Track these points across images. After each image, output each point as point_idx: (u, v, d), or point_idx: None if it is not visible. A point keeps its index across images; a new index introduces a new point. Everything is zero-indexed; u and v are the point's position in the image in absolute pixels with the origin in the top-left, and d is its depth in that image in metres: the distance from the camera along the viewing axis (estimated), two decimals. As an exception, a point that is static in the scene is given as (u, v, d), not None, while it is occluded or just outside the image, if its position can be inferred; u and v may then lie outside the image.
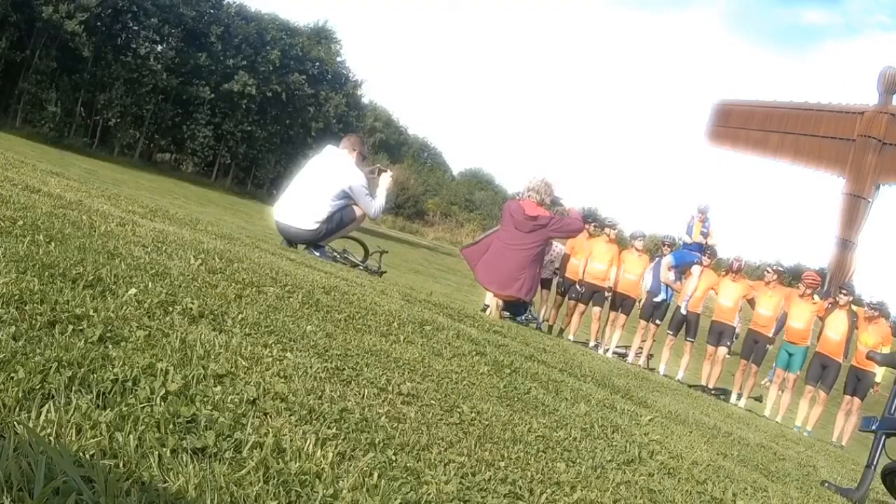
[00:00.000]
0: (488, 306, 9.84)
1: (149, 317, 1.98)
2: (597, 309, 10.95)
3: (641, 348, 10.89)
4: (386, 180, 6.76)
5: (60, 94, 29.49)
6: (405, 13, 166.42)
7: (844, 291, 9.70)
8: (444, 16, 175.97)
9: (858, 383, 9.38)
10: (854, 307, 9.57)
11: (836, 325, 9.40)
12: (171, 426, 1.33)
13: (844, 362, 9.49)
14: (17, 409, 1.23)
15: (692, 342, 10.58)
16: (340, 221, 6.45)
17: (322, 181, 6.39)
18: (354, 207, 6.50)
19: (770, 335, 9.95)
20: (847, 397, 9.49)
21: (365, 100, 44.38)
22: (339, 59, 39.13)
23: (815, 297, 9.82)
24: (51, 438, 1.16)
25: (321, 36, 38.36)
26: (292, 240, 6.45)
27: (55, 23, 28.02)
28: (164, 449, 1.24)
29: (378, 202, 6.58)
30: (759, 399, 10.30)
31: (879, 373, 9.35)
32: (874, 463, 3.87)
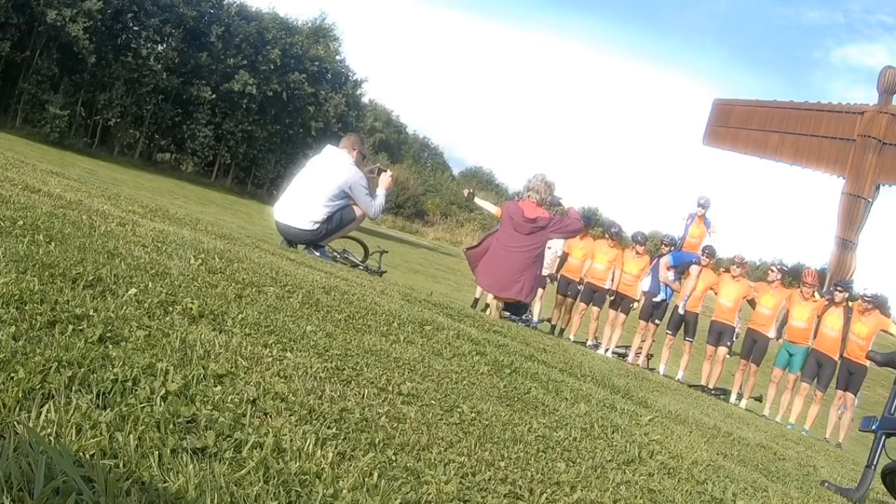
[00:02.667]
0: (477, 300, 9.88)
1: (149, 317, 1.98)
2: (595, 308, 10.97)
3: (641, 348, 10.90)
4: (385, 180, 6.77)
5: (61, 96, 29.46)
6: (404, 12, 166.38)
7: (840, 289, 9.70)
8: (444, 15, 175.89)
9: (850, 377, 9.35)
10: (850, 303, 9.56)
11: (833, 323, 9.39)
12: (171, 426, 1.33)
13: (841, 361, 9.47)
14: (17, 409, 1.23)
15: (691, 342, 10.58)
16: (340, 221, 6.44)
17: (322, 181, 6.39)
18: (354, 207, 6.49)
19: (770, 335, 9.95)
20: (839, 392, 9.48)
21: (365, 99, 44.39)
22: (338, 57, 39.11)
23: (816, 294, 9.82)
24: (51, 438, 1.16)
25: (320, 34, 38.32)
26: (292, 240, 6.44)
27: (58, 27, 28.03)
28: (164, 449, 1.24)
29: (378, 202, 6.58)
30: (759, 399, 10.30)
31: None
32: (874, 463, 3.87)
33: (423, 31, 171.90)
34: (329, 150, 6.67)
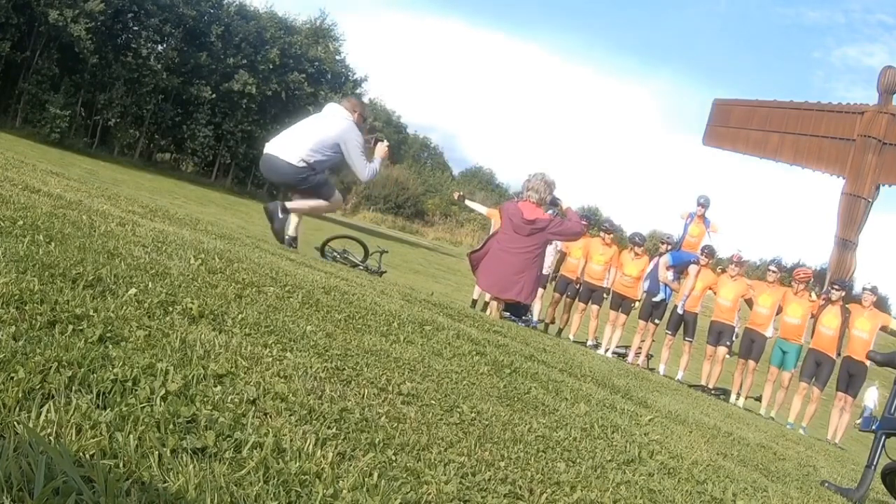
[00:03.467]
0: (475, 300, 9.91)
1: (149, 317, 1.98)
2: (594, 308, 10.97)
3: (641, 348, 10.90)
4: (381, 149, 6.65)
5: (62, 96, 29.47)
6: (404, 12, 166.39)
7: (836, 287, 9.69)
8: (442, 15, 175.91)
9: (851, 379, 9.35)
10: (847, 305, 9.56)
11: (829, 321, 9.38)
12: (171, 426, 1.33)
13: (838, 359, 9.47)
14: (17, 409, 1.23)
15: (691, 342, 10.58)
16: (326, 180, 6.29)
17: (318, 129, 6.26)
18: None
19: (767, 333, 9.94)
20: (840, 394, 9.48)
21: (365, 99, 44.34)
22: (338, 57, 39.10)
23: (813, 295, 9.81)
24: (51, 438, 1.16)
25: (319, 34, 38.31)
26: (275, 178, 6.33)
27: (59, 27, 28.05)
28: (164, 449, 1.24)
29: (372, 166, 6.42)
30: (758, 399, 10.30)
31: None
32: (874, 463, 3.87)
33: (425, 37, 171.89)
34: (331, 106, 6.54)
